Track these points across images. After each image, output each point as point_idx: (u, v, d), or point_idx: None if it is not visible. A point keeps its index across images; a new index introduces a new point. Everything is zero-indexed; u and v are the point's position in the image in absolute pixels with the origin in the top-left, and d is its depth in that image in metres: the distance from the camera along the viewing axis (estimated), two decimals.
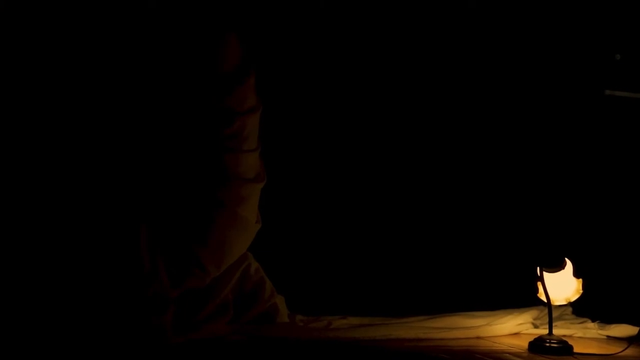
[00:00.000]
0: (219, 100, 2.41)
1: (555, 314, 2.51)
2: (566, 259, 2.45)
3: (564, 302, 2.49)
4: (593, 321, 2.70)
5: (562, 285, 2.44)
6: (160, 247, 2.31)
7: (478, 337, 2.54)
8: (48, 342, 2.08)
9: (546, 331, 2.43)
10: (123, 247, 2.25)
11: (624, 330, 2.62)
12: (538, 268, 2.44)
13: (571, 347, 2.37)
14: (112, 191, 2.31)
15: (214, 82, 2.42)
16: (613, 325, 2.66)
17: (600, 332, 2.64)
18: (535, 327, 2.65)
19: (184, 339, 2.24)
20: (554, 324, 2.43)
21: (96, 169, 2.32)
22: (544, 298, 2.44)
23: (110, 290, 2.19)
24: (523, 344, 2.44)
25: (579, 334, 2.61)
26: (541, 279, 2.43)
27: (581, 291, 2.45)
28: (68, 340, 2.09)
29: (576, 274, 2.45)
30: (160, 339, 2.20)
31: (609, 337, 2.63)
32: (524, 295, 2.70)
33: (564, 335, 2.49)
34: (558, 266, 2.44)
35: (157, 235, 2.32)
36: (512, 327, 2.62)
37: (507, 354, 2.31)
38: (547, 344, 2.37)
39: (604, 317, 2.71)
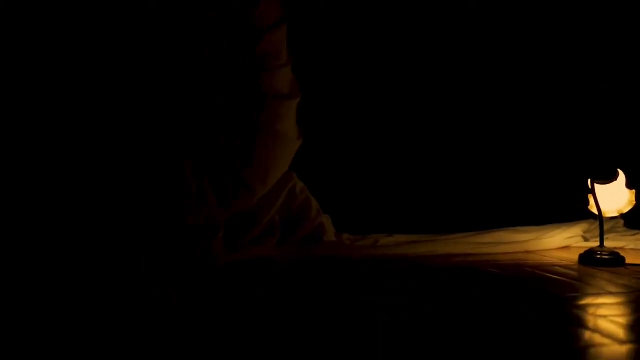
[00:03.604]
0: (245, 17, 2.38)
1: (606, 226, 2.47)
2: (619, 170, 2.39)
3: (616, 214, 2.44)
4: None
5: (614, 197, 2.39)
6: (207, 174, 2.33)
7: (527, 252, 2.53)
8: (102, 273, 2.11)
9: (597, 244, 2.39)
10: (171, 178, 2.27)
11: None
12: (589, 180, 2.39)
13: (623, 259, 2.34)
14: (157, 126, 2.30)
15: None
16: None
17: None
18: (586, 240, 2.62)
19: (233, 260, 2.26)
20: (605, 237, 2.40)
21: (143, 108, 2.30)
22: (595, 210, 2.39)
23: (161, 218, 2.21)
24: (573, 257, 2.42)
25: (631, 246, 2.58)
26: (592, 191, 2.38)
27: (634, 202, 2.40)
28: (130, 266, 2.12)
29: (629, 185, 2.39)
30: (210, 261, 2.22)
31: None
32: (573, 210, 2.67)
33: (616, 248, 2.46)
34: (610, 178, 2.38)
35: (204, 162, 2.34)
36: (561, 241, 2.60)
37: (557, 267, 2.29)
38: (599, 256, 2.33)
39: None
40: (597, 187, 2.38)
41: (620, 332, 1.56)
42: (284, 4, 2.46)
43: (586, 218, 2.68)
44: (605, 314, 1.71)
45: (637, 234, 2.66)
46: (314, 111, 2.66)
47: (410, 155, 2.91)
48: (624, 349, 1.46)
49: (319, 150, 2.75)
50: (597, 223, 2.43)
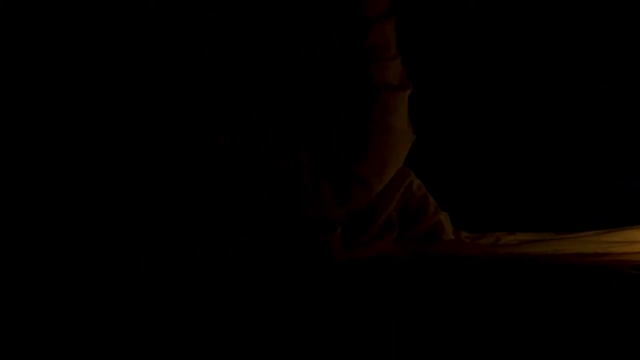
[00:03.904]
0: (353, 9, 2.35)
1: None
2: None
3: None
4: None
5: None
6: (322, 170, 2.31)
7: None
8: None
9: None
10: (287, 173, 2.27)
11: None
12: None
13: None
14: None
15: None
16: None
17: None
18: None
19: (351, 257, 2.24)
20: None
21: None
22: None
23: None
24: None
25: None
26: None
27: None
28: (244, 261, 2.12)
29: None
30: (328, 257, 2.21)
31: None
32: None
33: None
34: None
35: (319, 159, 2.32)
36: None
37: None
38: None
39: None
40: None
41: None
42: None
43: None
44: None
45: None
46: (427, 104, 2.60)
47: (530, 150, 2.80)
48: None
49: (433, 145, 2.69)
50: None
